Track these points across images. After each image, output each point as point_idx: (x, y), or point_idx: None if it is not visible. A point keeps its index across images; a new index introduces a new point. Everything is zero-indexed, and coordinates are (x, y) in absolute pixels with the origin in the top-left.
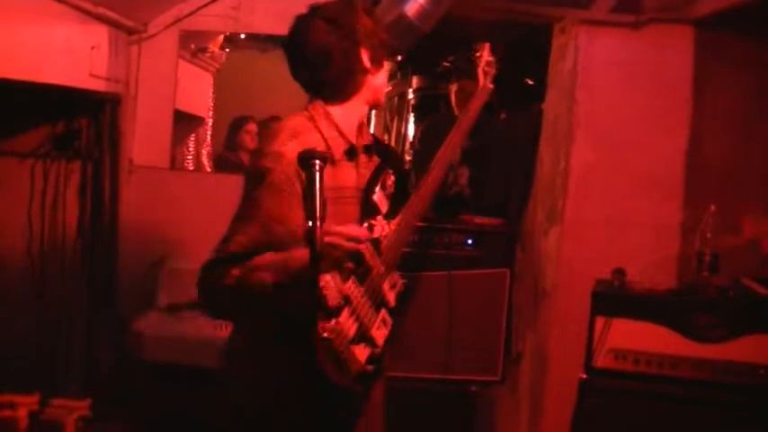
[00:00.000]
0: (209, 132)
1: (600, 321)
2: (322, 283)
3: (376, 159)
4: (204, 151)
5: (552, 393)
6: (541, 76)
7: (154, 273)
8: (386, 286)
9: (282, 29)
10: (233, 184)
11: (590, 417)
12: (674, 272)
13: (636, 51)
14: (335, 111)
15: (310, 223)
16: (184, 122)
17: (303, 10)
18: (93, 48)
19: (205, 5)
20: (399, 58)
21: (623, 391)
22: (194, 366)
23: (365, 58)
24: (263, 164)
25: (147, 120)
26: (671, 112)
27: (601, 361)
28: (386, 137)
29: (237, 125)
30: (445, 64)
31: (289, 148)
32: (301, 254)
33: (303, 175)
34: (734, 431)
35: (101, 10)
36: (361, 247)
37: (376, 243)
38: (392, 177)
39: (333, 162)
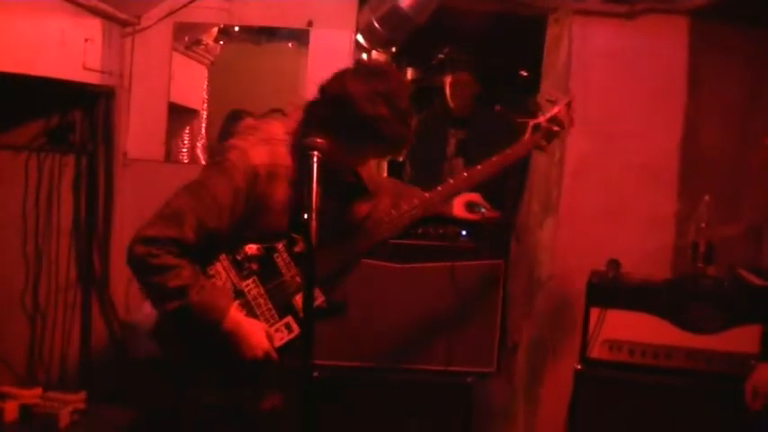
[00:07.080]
0: (203, 125)
1: (595, 312)
2: (212, 272)
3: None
4: (199, 144)
5: (548, 384)
6: (536, 67)
7: None
8: (298, 297)
9: (275, 21)
10: None
11: (585, 407)
12: (669, 262)
13: (630, 42)
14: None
15: (305, 216)
16: (179, 115)
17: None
18: (86, 40)
19: None
20: (393, 49)
21: (618, 382)
22: None
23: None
24: (227, 155)
25: (142, 112)
26: (666, 103)
27: (596, 352)
28: None
29: (235, 117)
30: (440, 56)
31: (256, 151)
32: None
33: (258, 181)
34: (728, 421)
35: (94, 2)
36: (274, 256)
37: (296, 256)
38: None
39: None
